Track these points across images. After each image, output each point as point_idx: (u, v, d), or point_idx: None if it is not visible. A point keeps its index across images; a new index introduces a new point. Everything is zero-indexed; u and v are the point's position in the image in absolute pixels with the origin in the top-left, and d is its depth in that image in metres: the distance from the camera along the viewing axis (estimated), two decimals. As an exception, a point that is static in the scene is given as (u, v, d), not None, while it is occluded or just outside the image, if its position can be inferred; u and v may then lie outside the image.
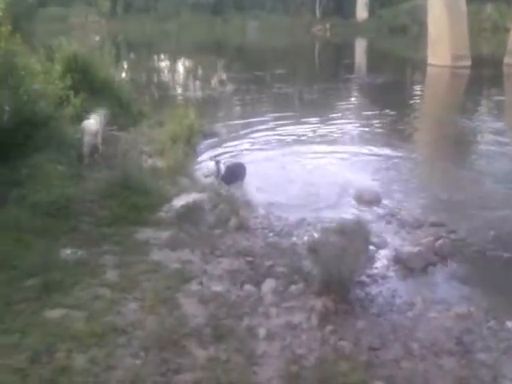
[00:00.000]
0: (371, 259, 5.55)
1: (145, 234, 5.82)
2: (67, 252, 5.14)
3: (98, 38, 33.29)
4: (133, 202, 6.33)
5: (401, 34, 35.19)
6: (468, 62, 20.63)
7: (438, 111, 14.67)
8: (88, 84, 9.92)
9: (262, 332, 4.26)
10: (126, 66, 23.78)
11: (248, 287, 4.95)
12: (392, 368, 3.91)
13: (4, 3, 6.92)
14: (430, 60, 21.48)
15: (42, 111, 7.10)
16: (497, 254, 5.77)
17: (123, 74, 18.82)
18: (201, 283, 4.90)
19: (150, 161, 8.31)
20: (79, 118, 8.44)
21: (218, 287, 4.86)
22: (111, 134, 8.90)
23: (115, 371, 3.63)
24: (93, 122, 7.86)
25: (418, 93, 18.10)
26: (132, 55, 30.45)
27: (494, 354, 4.08)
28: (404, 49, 29.48)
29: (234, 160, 8.36)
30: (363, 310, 4.72)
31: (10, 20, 6.90)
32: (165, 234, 5.83)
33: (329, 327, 4.35)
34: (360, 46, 34.45)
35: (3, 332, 3.91)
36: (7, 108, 6.13)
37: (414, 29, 34.14)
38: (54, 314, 4.19)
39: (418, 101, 16.75)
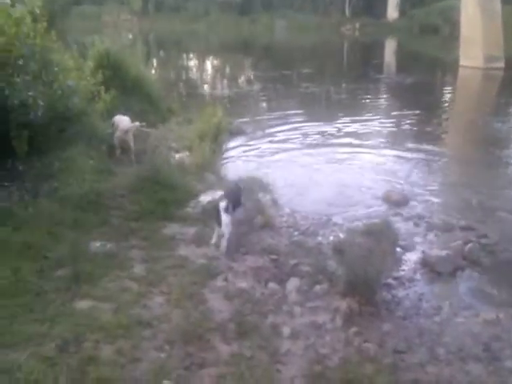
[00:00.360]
0: (398, 261, 5.51)
1: (172, 229, 5.89)
2: (97, 245, 5.23)
3: (130, 36, 33.69)
4: (161, 197, 6.41)
5: (432, 34, 34.66)
6: (501, 64, 20.19)
7: (469, 113, 14.41)
8: (119, 81, 10.05)
9: (286, 330, 4.26)
10: (155, 64, 24.04)
11: (272, 285, 4.96)
12: (417, 372, 3.86)
13: (41, 1, 7.06)
14: (462, 61, 21.10)
15: (75, 106, 7.23)
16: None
17: (153, 72, 19.04)
18: (226, 279, 4.93)
19: (177, 157, 8.39)
20: (109, 113, 8.58)
21: (242, 284, 4.88)
22: (141, 130, 8.99)
23: (140, 363, 3.68)
24: (125, 118, 7.95)
25: (449, 94, 17.82)
26: (162, 53, 30.76)
27: (523, 361, 4.00)
28: (435, 49, 29.04)
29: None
30: (389, 312, 4.68)
31: (45, 17, 7.03)
32: (191, 230, 5.89)
33: (353, 329, 4.33)
34: (390, 46, 34.06)
35: (33, 321, 3.99)
36: (41, 103, 6.25)
37: (445, 29, 33.60)
38: (83, 304, 4.27)
39: (449, 102, 16.49)
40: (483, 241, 6.00)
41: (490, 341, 4.24)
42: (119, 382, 3.48)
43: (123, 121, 7.87)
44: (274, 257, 5.51)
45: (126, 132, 7.75)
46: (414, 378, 3.77)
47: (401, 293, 5.00)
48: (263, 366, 3.78)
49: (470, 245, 5.80)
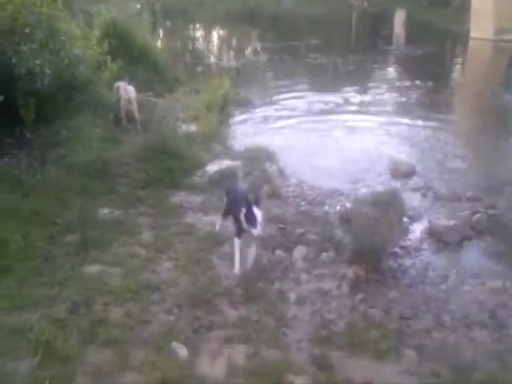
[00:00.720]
0: (405, 231, 5.50)
1: (179, 197, 5.91)
2: (105, 211, 5.26)
3: (138, 6, 33.15)
4: (168, 166, 6.42)
5: (442, 5, 33.82)
6: (512, 36, 19.79)
7: (478, 84, 14.20)
8: (126, 50, 9.96)
9: (292, 296, 4.31)
10: (162, 34, 23.70)
11: (279, 252, 4.98)
12: (423, 337, 3.90)
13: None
14: (473, 33, 20.67)
15: (82, 75, 7.16)
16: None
17: (160, 42, 18.81)
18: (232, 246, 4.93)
19: (184, 127, 8.35)
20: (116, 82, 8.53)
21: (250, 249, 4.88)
22: (147, 99, 8.94)
23: (149, 325, 3.73)
24: (128, 87, 7.90)
25: (459, 65, 17.56)
26: (168, 23, 30.28)
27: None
28: (445, 21, 28.34)
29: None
30: (395, 280, 4.71)
31: (51, -14, 6.92)
32: (198, 199, 5.91)
33: (359, 295, 4.37)
34: (399, 17, 33.33)
35: (43, 284, 4.04)
36: (48, 71, 6.20)
37: (456, 0, 32.79)
38: (92, 269, 4.31)
39: (459, 73, 16.28)
40: (491, 211, 5.99)
41: (495, 308, 4.27)
42: (129, 343, 3.52)
43: (126, 89, 7.82)
44: (280, 225, 5.53)
45: (130, 101, 7.72)
46: (419, 344, 3.81)
47: (407, 261, 5.02)
48: (270, 330, 3.83)
49: (477, 215, 5.80)
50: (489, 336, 3.96)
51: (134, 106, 7.81)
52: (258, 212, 4.27)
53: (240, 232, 4.48)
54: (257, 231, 4.22)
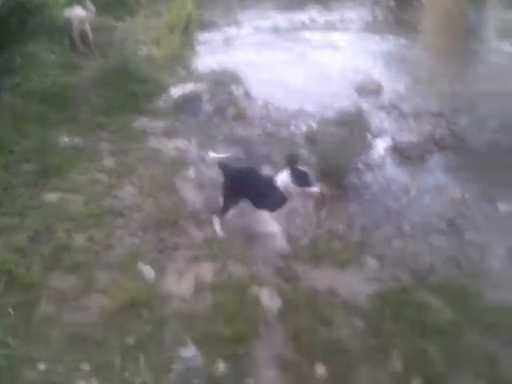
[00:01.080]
0: (369, 148, 5.54)
1: (142, 122, 5.73)
2: (65, 139, 5.07)
3: None
4: (130, 90, 6.17)
5: None
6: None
7: (445, 2, 13.83)
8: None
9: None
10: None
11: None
12: (384, 247, 4.05)
13: None
14: None
15: (36, -3, 6.70)
16: (495, 144, 5.70)
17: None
18: (198, 170, 4.88)
19: (146, 50, 7.98)
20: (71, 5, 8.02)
21: (214, 174, 4.83)
22: (107, 23, 8.48)
23: (114, 249, 3.71)
24: (78, 9, 7.47)
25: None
26: None
27: (484, 235, 4.19)
28: None
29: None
30: (358, 195, 4.80)
31: None
32: (162, 123, 5.75)
33: (323, 211, 4.44)
34: None
35: (2, 215, 3.91)
36: (0, -6, 5.76)
37: None
38: (52, 197, 4.19)
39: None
40: (453, 127, 6.05)
41: (454, 217, 4.43)
42: (94, 267, 3.50)
43: (77, 12, 7.40)
44: (246, 147, 5.47)
45: (82, 22, 7.33)
46: (380, 253, 3.95)
47: (370, 177, 5.10)
48: (236, 248, 3.87)
49: (440, 130, 5.85)
50: (447, 241, 4.13)
51: (87, 26, 7.41)
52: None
53: (278, 204, 3.83)
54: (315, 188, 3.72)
